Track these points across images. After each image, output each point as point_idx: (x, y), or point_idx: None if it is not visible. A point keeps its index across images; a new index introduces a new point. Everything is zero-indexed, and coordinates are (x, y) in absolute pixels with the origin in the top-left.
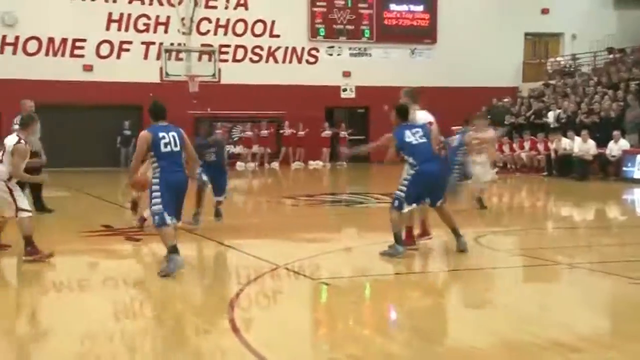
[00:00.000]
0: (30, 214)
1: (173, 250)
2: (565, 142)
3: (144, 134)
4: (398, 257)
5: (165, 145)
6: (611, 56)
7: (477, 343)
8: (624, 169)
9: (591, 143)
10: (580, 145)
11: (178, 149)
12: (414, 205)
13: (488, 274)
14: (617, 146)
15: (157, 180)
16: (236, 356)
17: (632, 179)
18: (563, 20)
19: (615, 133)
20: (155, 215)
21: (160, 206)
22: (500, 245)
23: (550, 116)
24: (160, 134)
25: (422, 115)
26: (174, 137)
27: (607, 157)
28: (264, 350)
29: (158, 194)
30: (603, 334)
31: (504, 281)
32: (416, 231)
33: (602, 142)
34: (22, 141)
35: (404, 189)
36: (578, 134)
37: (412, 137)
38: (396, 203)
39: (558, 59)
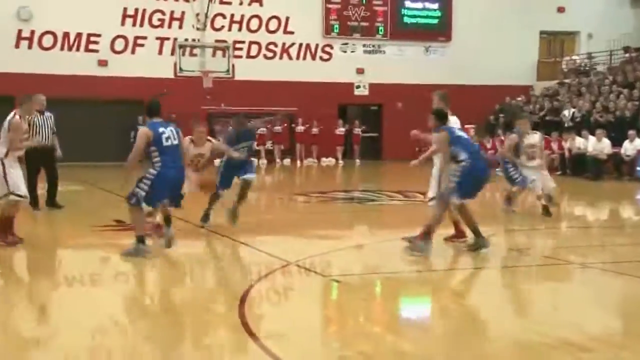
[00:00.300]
0: (20, 199)
1: (140, 239)
2: (579, 141)
3: (144, 130)
4: (422, 254)
5: (167, 139)
6: (627, 55)
7: (487, 341)
8: (638, 168)
9: (606, 142)
10: (595, 145)
11: (177, 142)
12: (463, 199)
13: (500, 273)
14: (632, 146)
15: (154, 172)
16: (246, 352)
17: None
18: (579, 18)
19: (631, 132)
20: (134, 196)
21: (143, 193)
22: (512, 244)
23: (565, 115)
24: (160, 129)
25: (453, 120)
26: (171, 131)
27: (621, 156)
28: (274, 347)
29: (149, 182)
30: (614, 333)
31: (515, 280)
32: (451, 232)
33: (617, 142)
34: (17, 116)
35: (455, 179)
36: (592, 133)
37: (459, 132)
38: (446, 194)
39: (574, 57)
